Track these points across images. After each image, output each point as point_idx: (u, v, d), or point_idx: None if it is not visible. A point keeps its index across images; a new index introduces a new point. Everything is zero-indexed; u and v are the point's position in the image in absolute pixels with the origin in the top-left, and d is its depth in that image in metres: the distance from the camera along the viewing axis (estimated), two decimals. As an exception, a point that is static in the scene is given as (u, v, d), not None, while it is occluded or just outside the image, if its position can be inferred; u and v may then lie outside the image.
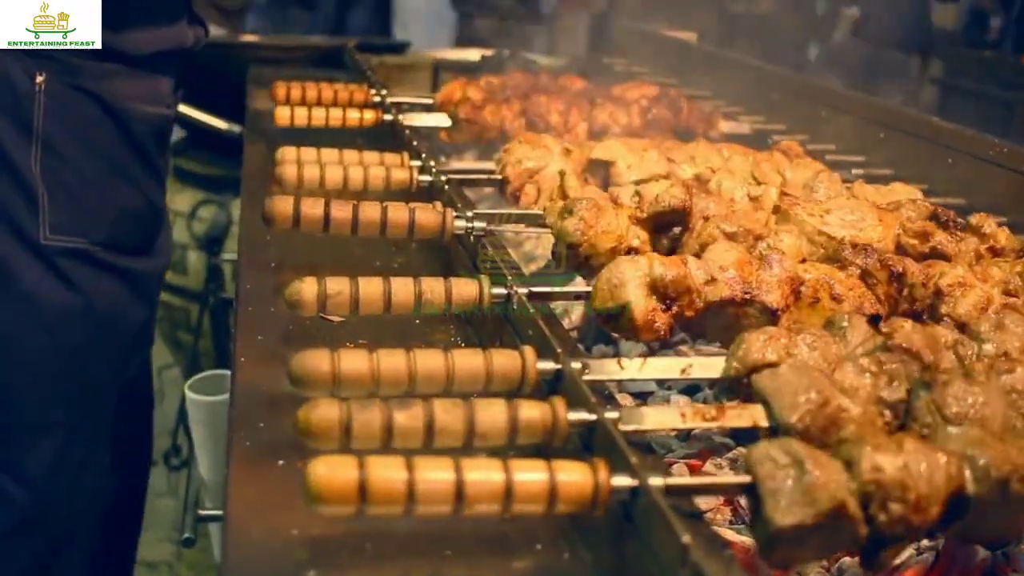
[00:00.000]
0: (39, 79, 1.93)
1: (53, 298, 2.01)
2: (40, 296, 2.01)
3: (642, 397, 1.67)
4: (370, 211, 1.49)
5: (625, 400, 1.60)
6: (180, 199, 3.56)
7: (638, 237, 1.46)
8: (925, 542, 1.36)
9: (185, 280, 3.51)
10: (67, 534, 2.16)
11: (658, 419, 1.05)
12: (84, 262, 2.03)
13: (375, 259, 1.69)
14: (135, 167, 2.11)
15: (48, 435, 2.09)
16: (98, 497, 2.22)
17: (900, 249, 1.47)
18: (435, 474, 0.89)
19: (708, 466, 1.44)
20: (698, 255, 1.34)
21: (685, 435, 1.56)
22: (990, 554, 1.32)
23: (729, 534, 1.29)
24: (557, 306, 1.92)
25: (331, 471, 0.88)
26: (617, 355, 1.83)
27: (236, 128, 3.08)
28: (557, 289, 1.32)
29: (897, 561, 1.34)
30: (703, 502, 1.40)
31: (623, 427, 1.02)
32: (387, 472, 0.88)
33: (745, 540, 1.28)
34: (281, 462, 1.12)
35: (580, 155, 1.87)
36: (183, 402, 2.75)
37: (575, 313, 1.97)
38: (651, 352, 1.85)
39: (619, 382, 1.70)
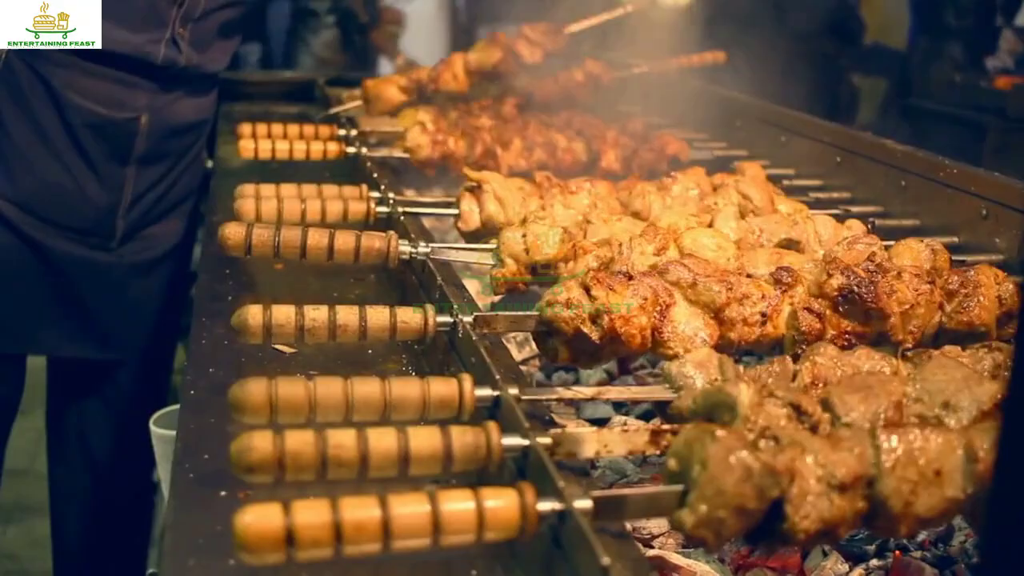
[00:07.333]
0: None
1: None
2: None
3: (600, 423, 1.68)
4: (319, 236, 1.51)
5: (582, 427, 1.61)
6: (157, 235, 3.55)
7: None
8: (874, 562, 1.37)
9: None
10: None
11: (591, 444, 1.06)
12: None
13: (332, 291, 1.70)
14: (68, 152, 2.24)
15: None
16: None
17: None
18: (361, 512, 0.89)
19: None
20: None
21: (641, 459, 1.56)
22: (937, 572, 1.33)
23: (677, 559, 1.29)
24: (518, 335, 1.93)
25: (257, 520, 0.87)
26: (577, 382, 1.85)
27: (209, 164, 3.10)
28: (502, 314, 1.33)
29: (846, 581, 1.34)
30: (655, 526, 1.41)
31: (559, 452, 1.03)
32: (313, 516, 0.88)
33: (692, 565, 1.29)
34: (223, 492, 1.13)
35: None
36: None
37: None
38: (610, 379, 1.86)
39: (577, 409, 1.71)
